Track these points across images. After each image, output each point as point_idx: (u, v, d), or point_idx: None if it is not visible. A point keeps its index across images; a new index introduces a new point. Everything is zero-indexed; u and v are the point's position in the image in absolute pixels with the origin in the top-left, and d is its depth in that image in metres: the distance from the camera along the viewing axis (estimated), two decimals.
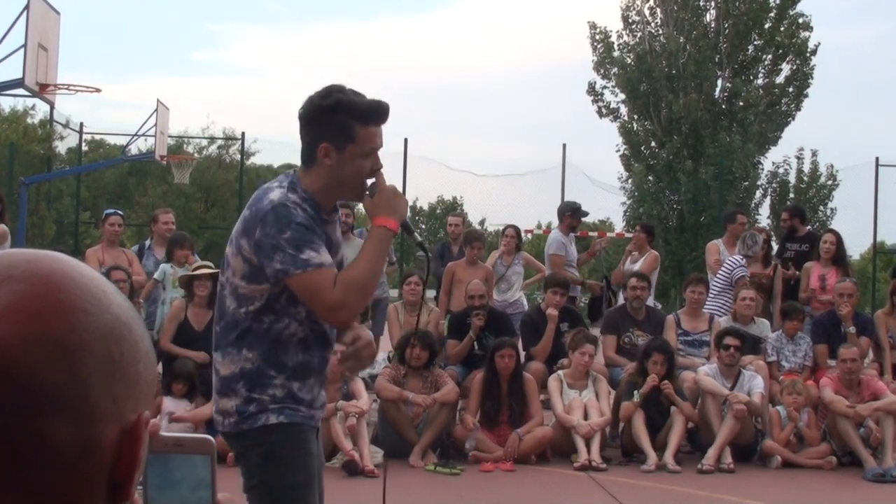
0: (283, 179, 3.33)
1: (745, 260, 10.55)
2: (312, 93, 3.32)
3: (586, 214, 12.26)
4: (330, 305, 3.19)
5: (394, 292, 12.59)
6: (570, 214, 11.72)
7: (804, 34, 29.75)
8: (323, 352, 3.40)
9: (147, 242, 10.86)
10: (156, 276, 9.78)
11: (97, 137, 38.24)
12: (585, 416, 8.78)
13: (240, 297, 3.25)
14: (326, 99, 3.25)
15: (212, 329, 9.77)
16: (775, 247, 12.43)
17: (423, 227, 45.04)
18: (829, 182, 28.70)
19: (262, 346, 3.23)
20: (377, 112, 3.27)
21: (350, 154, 3.24)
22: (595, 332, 9.90)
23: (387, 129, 3.36)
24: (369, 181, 3.33)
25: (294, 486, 3.24)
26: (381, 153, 3.37)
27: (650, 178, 29.11)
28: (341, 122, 3.22)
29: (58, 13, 14.63)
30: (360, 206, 3.60)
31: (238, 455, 3.31)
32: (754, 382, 8.93)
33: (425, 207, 44.10)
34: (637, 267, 10.96)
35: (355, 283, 3.21)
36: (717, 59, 29.60)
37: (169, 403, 8.45)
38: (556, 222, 12.16)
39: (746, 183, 28.55)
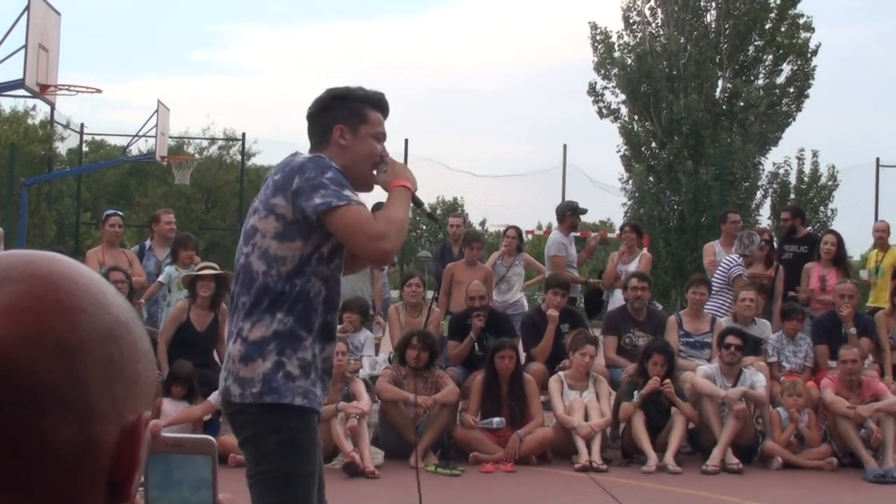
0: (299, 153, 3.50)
1: (741, 259, 10.55)
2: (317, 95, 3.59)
3: (585, 212, 12.26)
4: (374, 234, 3.29)
5: (394, 293, 12.59)
6: (572, 213, 11.73)
7: (805, 35, 29.75)
8: (335, 314, 3.48)
9: (147, 243, 10.82)
10: (160, 279, 9.76)
11: (98, 138, 38.27)
12: (586, 417, 8.77)
13: (270, 259, 3.32)
14: (337, 90, 3.55)
15: (213, 330, 9.73)
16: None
17: (424, 227, 44.96)
18: (830, 183, 28.68)
19: (294, 308, 3.31)
20: (382, 100, 3.58)
21: (363, 134, 3.50)
22: (595, 332, 9.89)
23: (387, 129, 3.60)
24: (374, 171, 3.56)
25: (307, 474, 3.31)
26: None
27: (651, 178, 29.10)
28: (353, 106, 3.51)
29: (58, 14, 14.65)
30: None
31: (249, 437, 3.31)
32: (756, 378, 8.93)
33: (426, 208, 44.09)
34: (632, 268, 10.96)
35: (393, 220, 3.38)
36: (717, 60, 29.59)
37: (168, 405, 8.45)
38: (556, 223, 12.15)
39: (747, 184, 28.54)
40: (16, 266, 0.91)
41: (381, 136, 3.55)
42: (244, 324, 3.33)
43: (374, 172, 3.54)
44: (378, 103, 3.56)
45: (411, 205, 3.59)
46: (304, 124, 3.61)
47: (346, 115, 3.49)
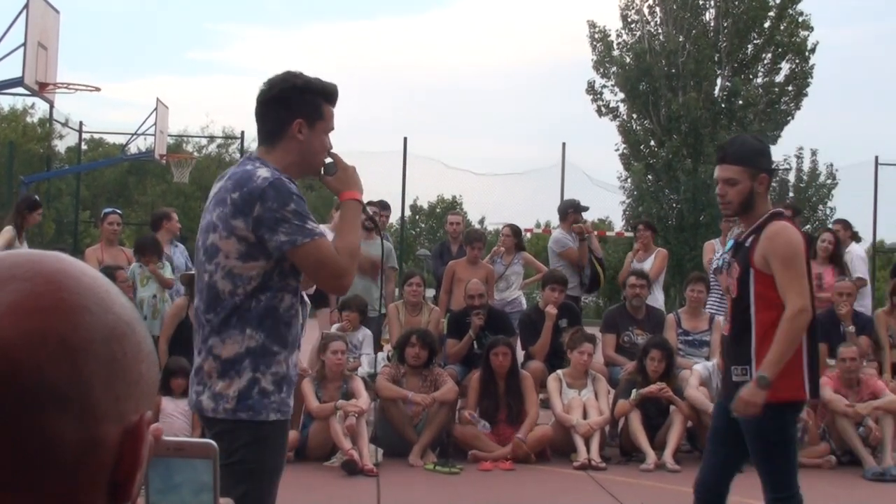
0: (252, 161, 3.48)
1: (721, 252, 10.58)
2: (272, 77, 3.56)
3: (587, 209, 12.23)
4: (337, 271, 3.42)
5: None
6: (574, 211, 11.71)
7: (803, 33, 29.77)
8: (301, 324, 3.58)
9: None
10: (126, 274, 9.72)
11: (96, 136, 38.18)
12: (585, 416, 8.78)
13: (235, 278, 3.36)
14: (297, 79, 3.51)
15: None
16: None
17: (423, 225, 44.98)
18: (829, 181, 28.70)
19: (263, 323, 3.36)
20: (336, 93, 3.58)
21: (318, 130, 3.50)
22: (593, 330, 9.89)
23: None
24: (326, 160, 3.59)
25: (274, 470, 3.44)
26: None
27: (649, 177, 29.12)
28: (311, 101, 3.49)
29: (57, 12, 14.66)
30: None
31: (224, 430, 3.34)
32: None
33: (425, 206, 44.06)
34: (647, 266, 10.91)
35: (352, 249, 3.49)
36: (716, 58, 29.61)
37: (168, 403, 8.43)
38: (554, 221, 12.12)
39: None
40: (20, 265, 0.91)
41: (331, 129, 3.57)
42: (214, 340, 3.38)
43: (323, 166, 3.59)
44: (332, 96, 3.55)
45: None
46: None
47: (305, 109, 3.46)
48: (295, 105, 3.47)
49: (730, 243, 4.85)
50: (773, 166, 4.68)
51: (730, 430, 4.71)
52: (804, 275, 4.47)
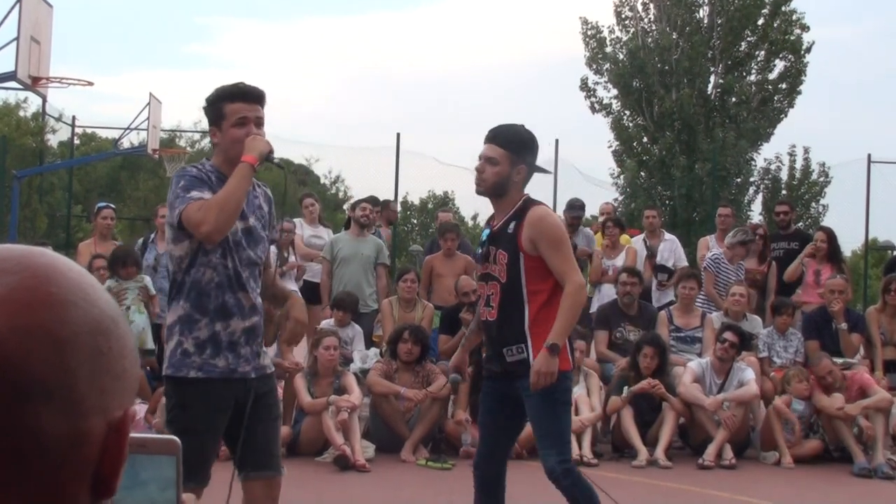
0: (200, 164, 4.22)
1: (718, 253, 10.63)
2: None
3: (582, 206, 12.12)
4: (195, 224, 3.89)
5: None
6: (567, 210, 11.71)
7: (797, 32, 29.76)
8: (236, 294, 4.04)
9: (151, 235, 10.73)
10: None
11: (89, 131, 38.05)
12: (576, 412, 8.78)
13: (174, 259, 4.08)
14: (209, 95, 4.15)
15: None
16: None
17: (415, 221, 44.88)
18: (822, 179, 28.71)
19: (189, 294, 4.01)
20: (237, 90, 4.07)
21: (225, 128, 4.07)
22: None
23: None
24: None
25: (195, 431, 3.86)
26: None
27: (643, 173, 29.10)
28: (215, 108, 4.11)
29: (50, 6, 14.62)
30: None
31: (166, 390, 4.21)
32: (744, 374, 8.94)
33: (416, 202, 43.98)
34: (619, 263, 10.94)
35: (221, 202, 3.91)
36: (710, 55, 29.61)
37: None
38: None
39: (739, 179, 28.56)
40: (7, 259, 0.91)
41: (245, 121, 4.04)
42: (168, 308, 4.16)
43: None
44: (233, 95, 4.06)
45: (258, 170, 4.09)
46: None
47: (212, 118, 4.12)
48: (209, 117, 4.15)
49: (485, 233, 5.04)
50: (534, 163, 4.93)
51: (502, 410, 4.96)
52: (572, 253, 4.86)
